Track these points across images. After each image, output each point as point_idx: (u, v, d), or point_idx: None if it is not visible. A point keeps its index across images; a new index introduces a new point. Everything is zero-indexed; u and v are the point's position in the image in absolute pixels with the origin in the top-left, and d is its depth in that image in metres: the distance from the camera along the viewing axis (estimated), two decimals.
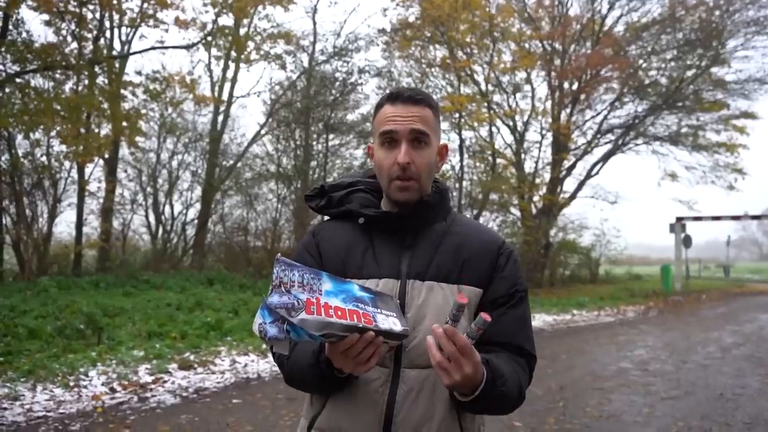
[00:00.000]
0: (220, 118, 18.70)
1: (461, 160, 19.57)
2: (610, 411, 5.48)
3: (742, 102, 21.34)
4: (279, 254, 1.15)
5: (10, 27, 13.40)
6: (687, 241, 22.73)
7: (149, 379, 6.17)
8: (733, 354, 8.69)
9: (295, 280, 1.10)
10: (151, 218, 18.02)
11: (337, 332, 1.07)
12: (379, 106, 1.40)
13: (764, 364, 7.87)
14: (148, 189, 17.93)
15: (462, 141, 19.56)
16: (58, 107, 13.22)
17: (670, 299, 18.01)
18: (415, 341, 1.27)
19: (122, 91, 15.00)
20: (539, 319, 12.53)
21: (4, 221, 13.64)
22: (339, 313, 1.09)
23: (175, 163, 18.20)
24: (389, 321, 1.16)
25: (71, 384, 5.76)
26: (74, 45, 14.52)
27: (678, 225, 22.21)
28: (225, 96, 18.68)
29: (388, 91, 1.38)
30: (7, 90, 13.50)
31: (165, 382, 6.14)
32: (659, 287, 20.79)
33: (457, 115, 18.88)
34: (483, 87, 19.86)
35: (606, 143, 22.09)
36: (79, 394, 5.57)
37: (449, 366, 1.11)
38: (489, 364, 1.20)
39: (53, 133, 14.25)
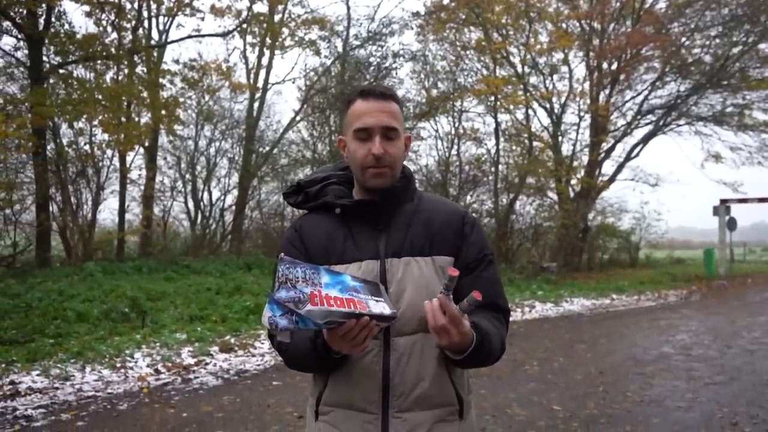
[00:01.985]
0: (256, 105, 18.90)
1: (497, 144, 19.36)
2: (652, 396, 5.40)
3: None
4: (281, 253, 1.32)
5: (53, 19, 13.74)
6: (731, 224, 22.09)
7: (192, 361, 6.34)
8: None
9: (299, 276, 1.23)
10: (190, 205, 18.40)
11: (338, 319, 1.19)
12: (350, 102, 1.53)
13: None
14: (187, 176, 18.27)
15: (498, 124, 19.33)
16: (100, 97, 13.55)
17: (713, 283, 17.57)
18: (401, 311, 1.39)
19: (160, 79, 15.29)
20: (577, 303, 12.40)
21: (51, 209, 14.06)
22: (338, 302, 1.22)
23: (212, 150, 18.52)
24: (380, 306, 1.30)
25: (118, 365, 5.96)
26: (114, 35, 14.85)
27: (722, 207, 21.60)
28: (260, 83, 18.86)
29: (359, 89, 1.55)
30: (51, 81, 13.87)
31: (207, 364, 6.30)
32: (702, 271, 20.29)
33: (492, 98, 18.64)
34: (519, 69, 19.57)
35: (646, 124, 21.58)
36: (125, 375, 5.75)
37: (443, 331, 1.26)
38: (477, 327, 1.35)
39: (95, 122, 14.63)
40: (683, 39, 20.30)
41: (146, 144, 16.37)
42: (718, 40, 20.46)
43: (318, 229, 1.53)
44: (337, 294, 1.24)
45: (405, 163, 1.61)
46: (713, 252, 20.92)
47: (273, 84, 19.49)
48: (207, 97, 17.81)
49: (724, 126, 21.79)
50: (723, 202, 21.63)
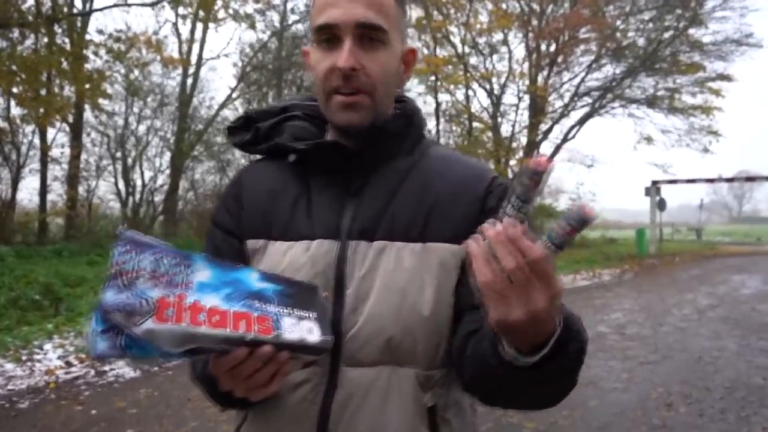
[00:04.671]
0: (189, 81, 18.07)
1: (437, 124, 19.25)
2: (589, 377, 5.33)
3: (718, 64, 21.25)
4: (121, 226, 0.81)
5: None
6: (662, 205, 22.83)
7: None
8: (708, 316, 8.65)
9: (145, 268, 0.75)
10: (121, 185, 17.50)
11: (213, 346, 0.75)
12: None
13: (740, 325, 7.83)
14: (117, 155, 17.35)
15: (438, 104, 19.22)
16: (14, 67, 12.55)
17: (645, 262, 18.10)
18: (357, 328, 0.92)
19: (84, 51, 14.32)
20: None
21: None
22: (215, 318, 0.76)
23: (143, 128, 17.63)
24: (302, 327, 0.82)
25: (23, 358, 5.44)
26: (31, 1, 13.77)
27: (653, 188, 22.26)
28: (194, 58, 18.02)
29: None
30: None
31: None
32: (634, 251, 20.90)
33: (433, 77, 18.47)
34: (459, 49, 19.43)
35: (583, 106, 21.95)
36: (31, 369, 5.26)
37: (509, 290, 0.67)
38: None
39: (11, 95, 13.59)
40: (618, 22, 20.64)
41: (70, 120, 15.39)
42: (651, 25, 20.92)
43: (262, 184, 1.05)
44: (217, 303, 0.77)
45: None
46: (645, 231, 21.56)
47: (207, 59, 18.71)
48: (136, 72, 16.86)
49: (655, 109, 22.44)
50: (654, 183, 22.29)
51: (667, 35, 20.73)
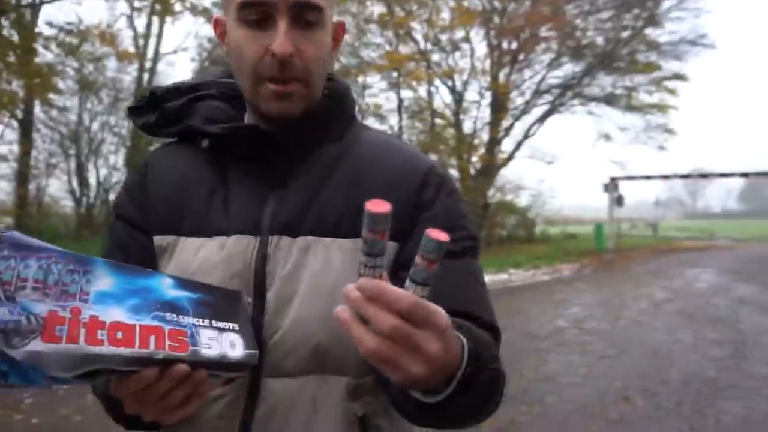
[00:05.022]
0: (146, 76, 17.60)
1: (400, 120, 19.23)
2: (548, 372, 5.34)
3: (673, 63, 21.76)
4: (3, 227, 0.67)
5: None
6: (620, 201, 23.24)
7: None
8: (664, 309, 8.81)
9: (30, 277, 0.62)
10: (74, 183, 16.95)
11: (115, 367, 0.64)
12: None
13: (694, 319, 7.98)
14: (70, 152, 16.80)
15: (401, 101, 19.20)
16: None
17: (603, 257, 18.41)
18: (280, 334, 0.82)
19: (33, 44, 13.80)
20: None
21: None
22: (119, 335, 0.65)
23: (97, 125, 17.11)
24: (223, 341, 0.73)
25: None
26: None
27: (611, 184, 22.65)
28: (150, 52, 17.56)
29: None
30: None
31: None
32: (593, 246, 21.25)
33: (395, 73, 18.42)
34: (422, 45, 19.41)
35: (543, 104, 22.18)
36: None
37: (396, 351, 0.58)
38: (462, 328, 0.70)
39: None
40: (578, 21, 20.91)
41: (19, 116, 14.84)
42: (609, 24, 21.26)
43: (170, 173, 0.93)
44: (120, 317, 0.66)
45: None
46: (603, 227, 21.92)
47: (164, 54, 18.29)
48: (90, 66, 16.36)
49: (614, 107, 22.83)
50: (612, 179, 22.69)
51: (625, 34, 21.11)
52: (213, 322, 0.74)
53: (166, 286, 0.73)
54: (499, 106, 20.25)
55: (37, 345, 0.59)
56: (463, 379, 0.65)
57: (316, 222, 0.86)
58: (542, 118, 22.01)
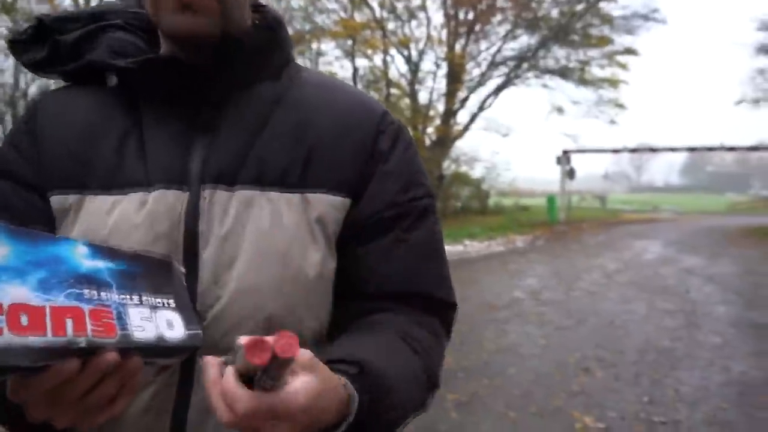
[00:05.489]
0: None
1: None
2: (507, 344, 5.31)
3: (626, 38, 22.12)
4: None
5: None
6: (571, 173, 23.63)
7: None
8: (616, 280, 8.95)
9: None
10: None
11: (20, 363, 0.48)
12: None
13: (646, 289, 8.13)
14: (6, 117, 15.85)
15: (355, 69, 18.85)
16: None
17: (555, 229, 18.71)
18: (221, 305, 0.70)
19: None
20: None
21: None
22: (23, 318, 0.49)
23: (34, 88, 16.16)
24: (158, 320, 0.59)
25: None
26: None
27: (564, 157, 22.98)
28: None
29: None
30: None
31: None
32: (545, 218, 21.57)
33: (350, 41, 18.02)
34: (377, 13, 19.02)
35: (499, 76, 22.18)
36: None
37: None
38: (363, 371, 0.63)
39: None
40: None
41: None
42: None
43: (70, 118, 0.77)
44: (26, 296, 0.51)
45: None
46: (555, 199, 22.26)
47: None
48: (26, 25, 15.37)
49: (567, 80, 23.03)
50: (565, 152, 23.01)
51: (579, 7, 21.18)
52: (143, 297, 0.60)
53: (80, 255, 0.58)
54: (454, 77, 20.13)
55: None
56: (353, 428, 0.59)
57: (257, 172, 0.73)
58: (497, 90, 22.03)
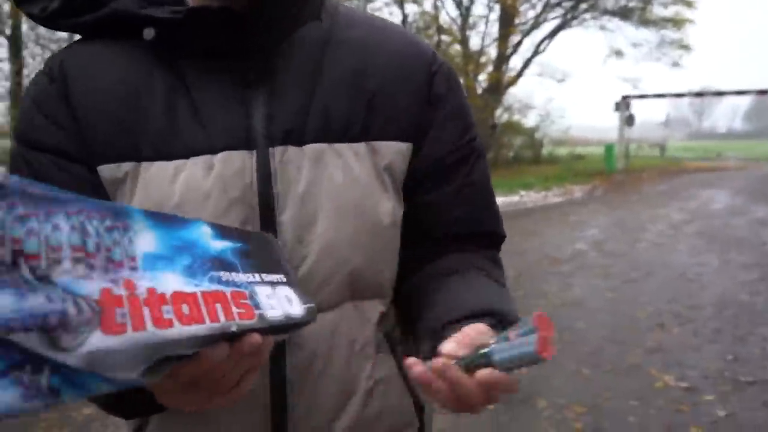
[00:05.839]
0: None
1: None
2: (573, 298, 5.10)
3: None
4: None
5: None
6: (630, 120, 22.66)
7: None
8: (684, 231, 8.53)
9: (63, 244, 0.42)
10: None
11: (184, 352, 0.47)
12: None
13: (716, 240, 7.72)
14: None
15: (405, 16, 18.26)
16: None
17: (613, 178, 18.07)
18: (308, 266, 0.68)
19: None
20: None
21: None
22: (185, 309, 0.47)
23: None
24: (280, 298, 0.57)
25: None
26: None
27: (623, 103, 22.01)
28: None
29: None
30: None
31: None
32: (602, 167, 20.86)
33: None
34: None
35: (555, 18, 21.20)
36: None
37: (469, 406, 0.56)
38: (501, 321, 0.67)
39: None
40: None
41: (7, 33, 14.15)
42: None
43: (107, 78, 0.68)
44: (180, 285, 0.49)
45: None
46: (613, 147, 21.46)
47: None
48: None
49: (627, 21, 21.83)
50: (624, 98, 22.02)
51: None
52: (263, 275, 0.58)
53: (208, 237, 0.56)
54: (507, 21, 19.33)
55: (97, 340, 0.41)
56: None
57: (322, 125, 0.69)
58: (553, 33, 21.12)
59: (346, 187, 0.69)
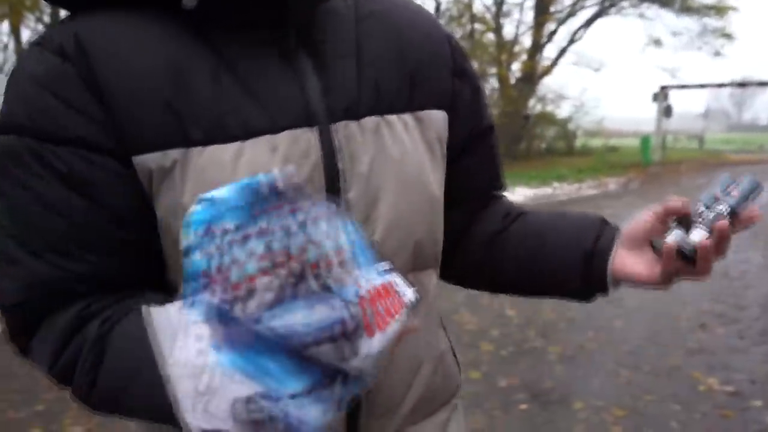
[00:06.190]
0: None
1: None
2: (611, 296, 4.93)
3: None
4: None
5: None
6: (668, 111, 22.06)
7: None
8: None
9: (327, 245, 0.45)
10: None
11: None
12: None
13: (760, 236, 7.43)
14: None
15: (438, 4, 18.04)
16: None
17: (649, 171, 17.64)
18: (377, 240, 0.66)
19: None
20: (520, 194, 12.00)
21: None
22: (390, 302, 0.47)
23: None
24: (394, 281, 0.51)
25: None
26: None
27: (661, 94, 21.43)
28: None
29: None
30: None
31: None
32: (637, 159, 20.38)
33: None
34: None
35: (592, 5, 20.72)
36: None
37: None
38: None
39: None
40: None
41: (46, 20, 14.37)
42: None
43: (139, 53, 0.60)
44: (375, 278, 0.49)
45: None
46: (650, 139, 20.95)
47: None
48: None
49: (668, 8, 21.22)
50: (663, 88, 21.44)
51: None
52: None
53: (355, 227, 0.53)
54: (543, 8, 19.00)
55: (366, 344, 0.43)
56: None
57: (374, 97, 0.67)
58: (589, 22, 20.67)
59: (402, 159, 0.68)
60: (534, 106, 20.69)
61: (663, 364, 3.50)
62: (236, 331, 0.39)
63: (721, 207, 0.63)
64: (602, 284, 0.75)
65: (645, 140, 20.76)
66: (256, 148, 0.60)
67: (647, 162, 19.61)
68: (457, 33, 19.38)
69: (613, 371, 3.41)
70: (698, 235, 0.63)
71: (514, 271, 0.82)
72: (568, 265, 0.76)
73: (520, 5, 19.54)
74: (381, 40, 0.70)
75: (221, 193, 0.41)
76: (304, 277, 0.41)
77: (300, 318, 0.40)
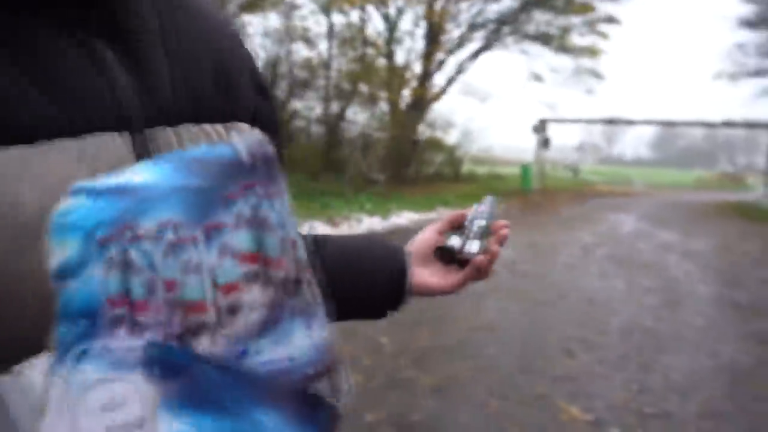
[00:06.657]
0: None
1: (329, 47, 18.18)
2: (485, 321, 4.99)
3: (608, 5, 21.64)
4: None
5: None
6: (546, 143, 23.42)
7: None
8: (595, 254, 8.71)
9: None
10: None
11: None
12: None
13: (624, 264, 7.91)
14: None
15: (331, 26, 18.09)
16: None
17: (529, 198, 18.51)
18: None
19: None
20: (405, 217, 12.11)
21: None
22: None
23: None
24: None
25: None
26: None
27: (540, 126, 22.72)
28: None
29: None
30: None
31: None
32: (519, 186, 21.37)
33: None
34: None
35: (479, 39, 21.66)
36: None
37: None
38: None
39: None
40: None
41: None
42: None
43: None
44: None
45: None
46: (530, 168, 22.05)
47: None
48: None
49: (547, 46, 22.61)
50: (542, 121, 22.74)
51: None
52: None
53: None
54: (433, 38, 19.53)
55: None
56: None
57: (188, 100, 0.57)
58: (476, 54, 21.52)
59: None
60: (423, 132, 21.18)
61: (531, 393, 3.52)
62: (202, 380, 0.27)
63: (481, 222, 0.79)
64: (400, 302, 0.78)
65: (525, 169, 21.83)
66: (57, 154, 0.46)
67: (527, 189, 20.60)
68: (349, 55, 19.53)
69: (483, 402, 3.37)
70: (475, 246, 0.76)
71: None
72: (374, 286, 0.77)
73: (411, 33, 19.92)
74: (188, 37, 0.60)
75: (142, 176, 0.29)
76: (300, 285, 0.30)
77: (299, 342, 0.30)
